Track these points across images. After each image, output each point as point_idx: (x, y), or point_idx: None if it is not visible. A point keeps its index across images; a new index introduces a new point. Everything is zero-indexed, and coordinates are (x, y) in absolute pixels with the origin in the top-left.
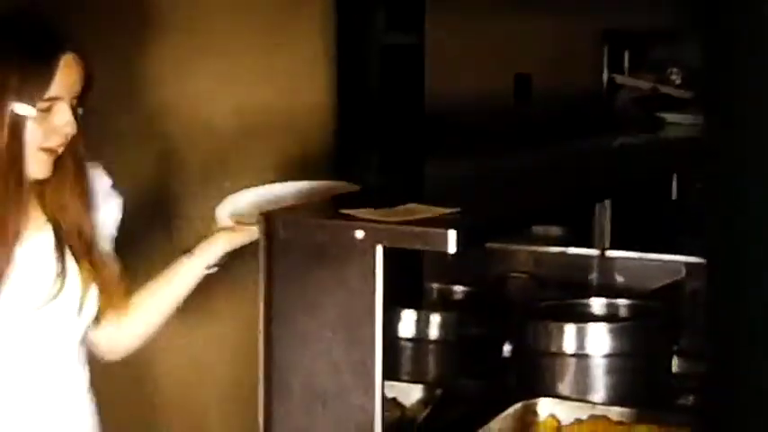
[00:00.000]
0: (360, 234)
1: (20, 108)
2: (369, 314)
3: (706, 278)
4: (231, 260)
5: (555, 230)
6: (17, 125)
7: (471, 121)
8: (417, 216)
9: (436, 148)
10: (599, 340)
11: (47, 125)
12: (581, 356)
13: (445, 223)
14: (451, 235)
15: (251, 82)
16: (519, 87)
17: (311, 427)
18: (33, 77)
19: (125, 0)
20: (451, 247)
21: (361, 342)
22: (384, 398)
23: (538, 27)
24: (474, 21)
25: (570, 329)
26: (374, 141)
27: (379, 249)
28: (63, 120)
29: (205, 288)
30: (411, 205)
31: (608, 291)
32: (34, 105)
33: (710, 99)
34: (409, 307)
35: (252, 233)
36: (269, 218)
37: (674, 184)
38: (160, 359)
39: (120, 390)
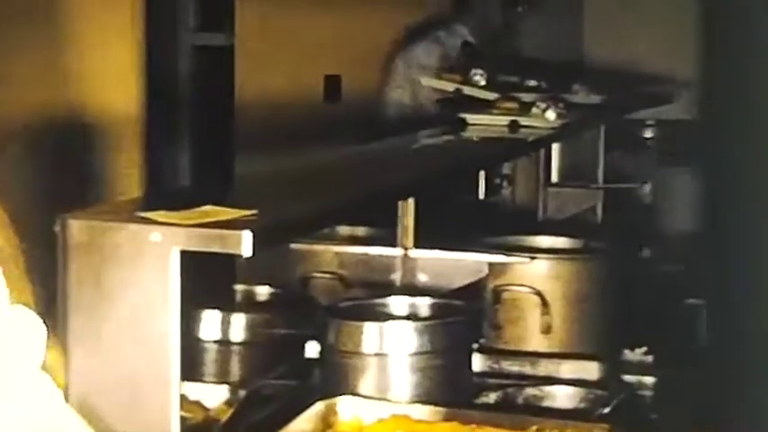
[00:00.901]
0: (155, 236)
1: None
2: (164, 316)
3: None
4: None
5: (361, 230)
6: None
7: (281, 122)
8: (215, 218)
9: (245, 148)
10: (401, 339)
11: None
12: (383, 355)
13: (241, 225)
14: (246, 237)
15: (58, 83)
16: (328, 88)
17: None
18: None
19: None
20: (246, 250)
21: (157, 344)
22: (183, 399)
23: (347, 26)
24: (284, 20)
25: (371, 328)
26: (183, 142)
27: (175, 251)
28: None
29: None
30: (209, 207)
31: (411, 290)
32: None
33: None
34: (216, 308)
35: None
36: (65, 221)
37: (482, 183)
38: None
39: None
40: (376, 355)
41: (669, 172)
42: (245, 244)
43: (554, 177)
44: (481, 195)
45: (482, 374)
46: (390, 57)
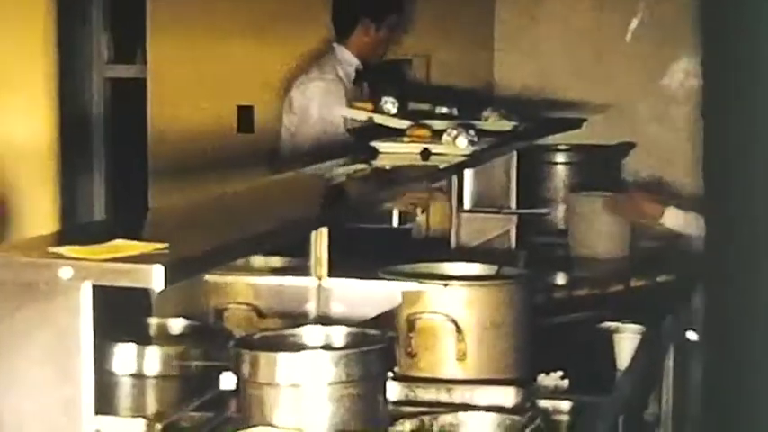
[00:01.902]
0: (66, 272)
1: None
2: (76, 351)
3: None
4: None
5: (276, 261)
6: None
7: (194, 154)
8: (126, 252)
9: (159, 180)
10: (315, 369)
11: None
12: (298, 386)
13: (152, 259)
14: (157, 271)
15: None
16: (242, 119)
17: None
18: None
19: None
20: (157, 284)
21: (70, 379)
22: None
23: (260, 57)
24: (196, 51)
25: (285, 359)
26: (97, 175)
27: (86, 286)
28: None
29: None
30: (120, 241)
31: (326, 320)
32: None
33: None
34: (131, 342)
35: None
36: None
37: (395, 211)
38: None
39: None
40: (291, 385)
41: (581, 196)
42: (155, 278)
43: (467, 204)
44: (395, 223)
45: (398, 403)
46: (289, 87)
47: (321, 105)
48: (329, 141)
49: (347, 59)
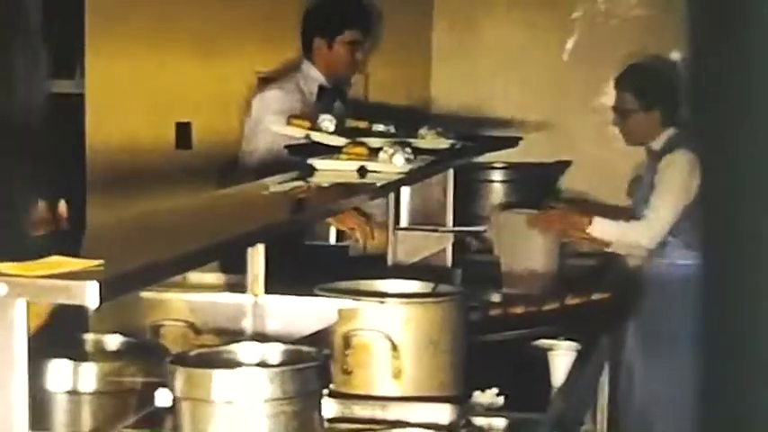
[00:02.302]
0: (0, 289)
1: None
2: (11, 368)
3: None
4: None
5: (212, 277)
6: None
7: (132, 170)
8: (61, 269)
9: (96, 197)
10: (251, 386)
11: None
12: (233, 403)
13: (86, 276)
14: (92, 288)
15: None
16: (180, 136)
17: None
18: None
19: None
20: (92, 301)
21: (4, 396)
22: None
23: (199, 73)
24: (134, 67)
25: (220, 376)
26: (33, 191)
27: (20, 303)
28: None
29: None
30: (55, 258)
31: (262, 337)
32: None
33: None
34: (66, 358)
35: None
36: None
37: (332, 228)
38: None
39: None
40: (226, 402)
41: (507, 213)
42: (90, 295)
43: (403, 221)
44: (332, 240)
45: (333, 420)
46: (247, 103)
47: (274, 116)
48: (275, 159)
49: (312, 75)
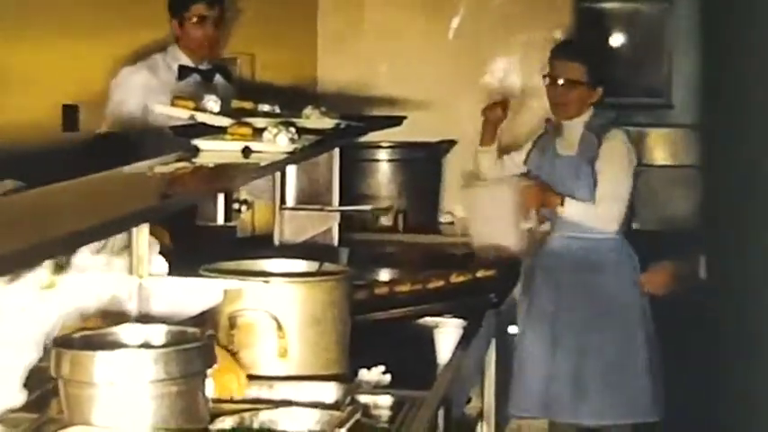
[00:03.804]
0: None
1: None
2: None
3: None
4: None
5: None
6: None
7: (17, 153)
8: None
9: None
10: (134, 368)
11: None
12: (116, 385)
13: None
14: None
15: None
16: (66, 118)
17: None
18: None
19: None
20: None
21: None
22: None
23: (85, 55)
24: (18, 49)
25: (104, 358)
26: None
27: None
28: None
29: None
30: None
31: (147, 318)
32: None
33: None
34: None
35: None
36: None
37: (220, 208)
38: None
39: None
40: (110, 384)
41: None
42: None
43: (290, 201)
44: (220, 221)
45: (219, 400)
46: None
47: (137, 98)
48: (147, 135)
49: (175, 55)
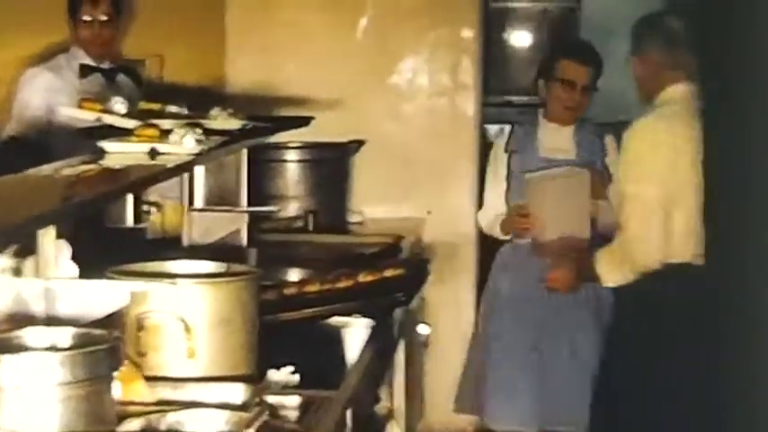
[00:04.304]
0: None
1: None
2: None
3: None
4: None
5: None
6: None
7: None
8: None
9: None
10: (40, 371)
11: None
12: (22, 388)
13: None
14: None
15: None
16: None
17: None
18: None
19: None
20: None
21: None
22: None
23: None
24: None
25: (8, 361)
26: None
27: None
28: None
29: None
30: None
31: (54, 321)
32: None
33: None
34: None
35: None
36: None
37: (129, 210)
38: None
39: None
40: (15, 387)
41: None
42: None
43: (199, 202)
44: (129, 223)
45: (126, 403)
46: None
47: (41, 99)
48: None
49: (77, 56)
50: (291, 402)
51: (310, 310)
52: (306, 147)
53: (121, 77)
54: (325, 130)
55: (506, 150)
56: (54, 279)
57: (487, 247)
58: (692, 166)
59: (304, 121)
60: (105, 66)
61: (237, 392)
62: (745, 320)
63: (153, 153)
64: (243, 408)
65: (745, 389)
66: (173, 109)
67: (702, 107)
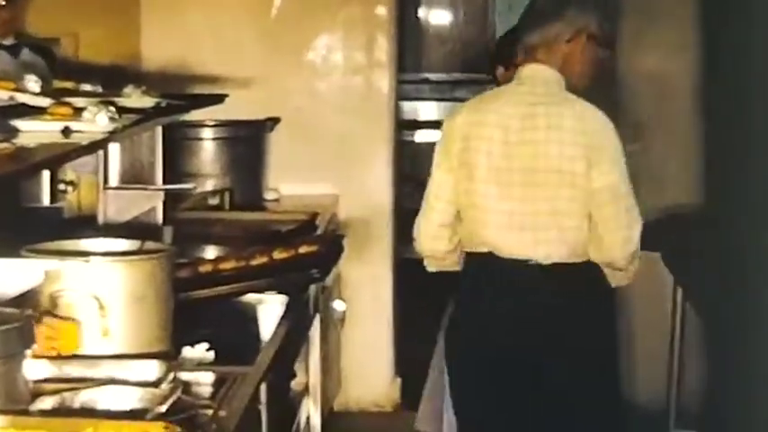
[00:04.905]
0: None
1: None
2: None
3: None
4: None
5: None
6: None
7: None
8: None
9: None
10: None
11: None
12: None
13: None
14: None
15: None
16: None
17: None
18: None
19: None
20: None
21: None
22: None
23: None
24: None
25: None
26: None
27: None
28: None
29: None
30: None
31: None
32: None
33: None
34: None
35: None
36: None
37: (45, 189)
38: None
39: None
40: None
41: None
42: None
43: (114, 181)
44: (46, 201)
45: (40, 381)
46: None
47: None
48: None
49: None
50: (206, 379)
51: (225, 288)
52: (221, 125)
53: (27, 53)
54: (240, 108)
55: None
56: None
57: (401, 220)
58: None
59: (218, 99)
60: (8, 42)
61: (152, 369)
62: (746, 320)
63: (66, 131)
64: (156, 384)
65: (745, 389)
66: (87, 87)
67: (705, 106)
